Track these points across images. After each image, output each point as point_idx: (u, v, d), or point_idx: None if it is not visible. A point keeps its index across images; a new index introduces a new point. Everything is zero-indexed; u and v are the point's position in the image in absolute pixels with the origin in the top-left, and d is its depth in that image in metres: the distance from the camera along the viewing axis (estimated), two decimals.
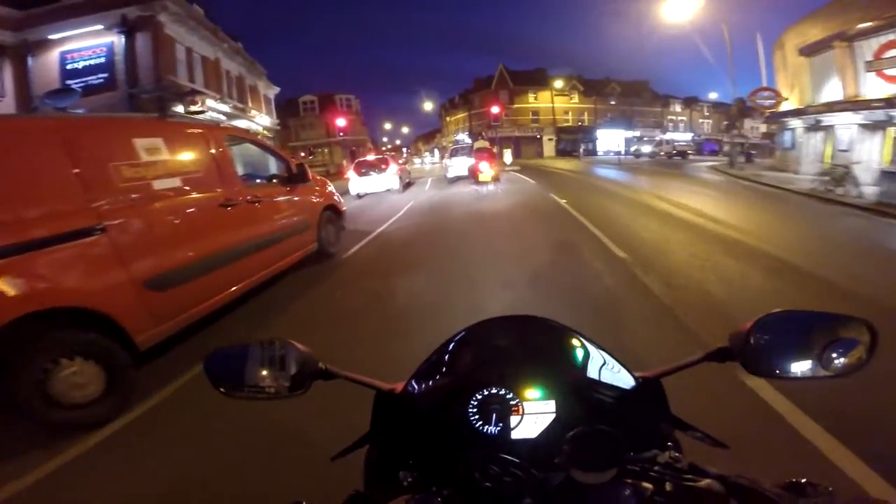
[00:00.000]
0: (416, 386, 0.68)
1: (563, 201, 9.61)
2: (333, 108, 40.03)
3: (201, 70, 15.75)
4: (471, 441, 0.58)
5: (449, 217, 8.77)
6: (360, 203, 13.04)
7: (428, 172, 27.52)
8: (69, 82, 12.31)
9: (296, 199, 4.71)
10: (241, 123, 18.52)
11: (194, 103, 12.56)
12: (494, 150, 18.19)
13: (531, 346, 0.68)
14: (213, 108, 15.63)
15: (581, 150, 40.57)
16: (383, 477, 0.62)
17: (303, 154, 37.91)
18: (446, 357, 0.68)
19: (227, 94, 17.70)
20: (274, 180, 4.77)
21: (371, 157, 15.73)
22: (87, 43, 12.67)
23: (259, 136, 15.28)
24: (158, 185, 2.94)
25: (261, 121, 21.59)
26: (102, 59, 12.54)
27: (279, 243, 4.24)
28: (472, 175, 11.50)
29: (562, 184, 14.30)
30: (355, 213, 9.72)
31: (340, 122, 22.59)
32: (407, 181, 17.35)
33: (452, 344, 0.68)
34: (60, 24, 12.57)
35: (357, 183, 14.20)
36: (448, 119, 53.62)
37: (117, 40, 12.35)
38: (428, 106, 43.57)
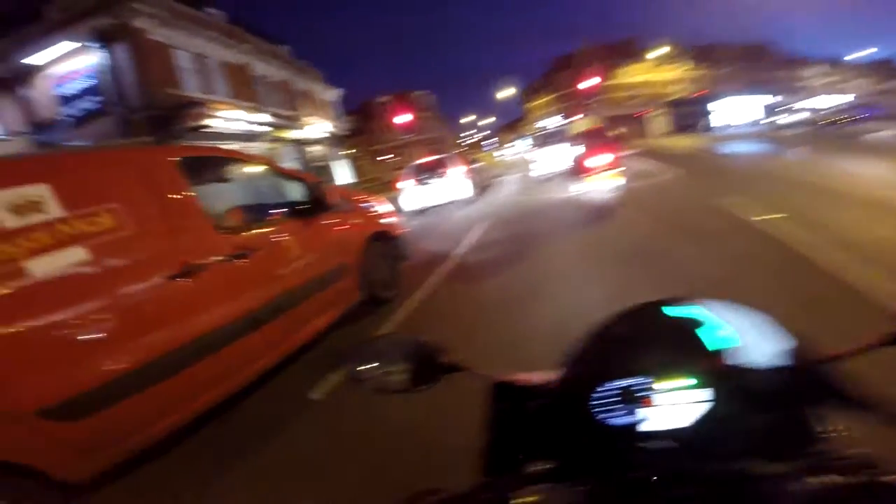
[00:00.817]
0: (547, 377, 0.65)
1: (768, 217, 4.49)
2: (408, 107, 38.78)
3: (222, 78, 13.55)
4: (609, 432, 0.53)
5: (545, 257, 4.86)
6: (421, 221, 9.92)
7: (512, 166, 22.97)
8: (66, 110, 10.84)
9: (320, 235, 3.33)
10: (290, 134, 16.38)
11: (198, 117, 9.88)
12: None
13: (677, 330, 0.58)
14: (244, 120, 13.30)
15: (700, 125, 32.82)
16: (504, 469, 0.60)
17: (386, 157, 36.87)
18: (582, 347, 0.61)
19: (264, 103, 15.41)
20: (286, 212, 3.30)
21: (429, 158, 11.73)
22: (71, 65, 11.05)
23: (285, 145, 12.08)
24: (42, 266, 1.84)
25: (318, 128, 19.47)
26: (93, 81, 10.74)
27: (292, 309, 2.88)
28: (578, 171, 6.79)
29: (719, 174, 9.03)
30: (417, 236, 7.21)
31: (401, 119, 19.43)
32: (484, 183, 13.34)
33: (590, 334, 0.61)
34: (36, 46, 11.10)
35: (413, 195, 10.63)
36: (529, 106, 50.65)
37: (99, 57, 10.44)
38: (507, 93, 41.07)
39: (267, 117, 14.44)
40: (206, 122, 10.94)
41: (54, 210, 1.95)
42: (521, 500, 0.48)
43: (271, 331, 2.75)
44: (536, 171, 11.68)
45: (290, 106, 17.25)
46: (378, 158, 38.50)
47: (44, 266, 1.88)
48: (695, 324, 0.57)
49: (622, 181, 6.40)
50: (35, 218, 1.90)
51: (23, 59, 10.70)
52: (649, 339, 0.60)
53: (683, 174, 8.83)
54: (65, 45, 10.50)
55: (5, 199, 1.85)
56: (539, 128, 27.71)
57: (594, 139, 7.59)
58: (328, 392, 2.69)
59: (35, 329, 1.80)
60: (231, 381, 2.51)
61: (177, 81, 11.28)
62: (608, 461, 0.50)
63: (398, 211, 11.30)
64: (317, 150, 19.05)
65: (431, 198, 10.42)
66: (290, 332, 2.93)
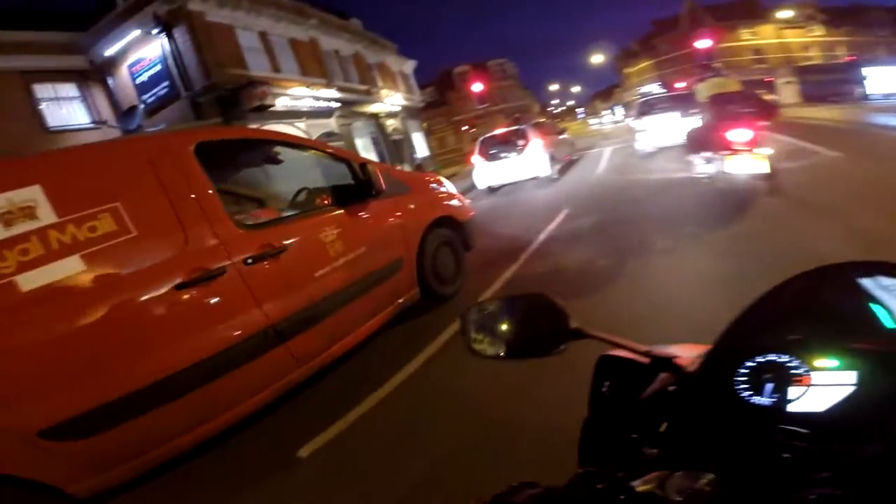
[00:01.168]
0: (678, 352, 0.64)
1: None
2: (487, 76, 37.77)
3: (291, 55, 13.21)
4: (740, 413, 0.50)
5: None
6: (491, 203, 8.72)
7: (609, 136, 20.06)
8: (144, 97, 11.29)
9: (367, 225, 2.96)
10: (364, 108, 16.08)
11: (261, 96, 9.44)
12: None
13: (826, 307, 0.55)
14: (311, 97, 13.01)
15: (849, 93, 25.91)
16: (610, 452, 0.60)
17: (464, 128, 36.14)
18: (744, 312, 0.55)
19: (336, 78, 15.06)
20: (325, 201, 3.10)
21: (502, 130, 10.13)
22: (141, 53, 11.34)
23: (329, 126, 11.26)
24: (31, 279, 1.73)
25: (393, 101, 18.97)
26: (160, 67, 10.99)
27: (330, 315, 2.56)
28: (706, 145, 4.79)
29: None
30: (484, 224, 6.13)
31: (476, 87, 18.06)
32: (571, 156, 11.59)
33: (759, 297, 0.56)
34: (110, 37, 11.48)
35: (485, 171, 9.35)
36: (627, 71, 48.36)
37: (163, 43, 10.57)
38: (598, 59, 39.71)
39: (336, 93, 14.07)
40: (274, 100, 10.75)
41: (45, 216, 1.82)
42: (645, 488, 0.44)
43: (303, 342, 2.44)
44: (642, 142, 9.38)
45: (362, 80, 16.79)
46: (463, 129, 37.26)
47: (33, 279, 1.76)
48: (873, 298, 0.52)
49: (766, 164, 4.32)
50: (23, 225, 1.77)
51: (104, 50, 11.30)
52: (822, 307, 0.54)
53: (841, 157, 5.95)
54: (133, 34, 10.87)
55: None
56: (643, 94, 24.10)
57: (732, 105, 5.28)
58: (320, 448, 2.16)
59: (30, 348, 1.74)
60: (252, 399, 2.26)
61: (242, 61, 11.18)
62: (744, 444, 0.48)
63: (471, 188, 9.88)
64: (392, 123, 18.55)
65: (504, 174, 9.12)
66: (327, 341, 2.60)
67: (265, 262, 2.30)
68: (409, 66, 23.03)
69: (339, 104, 14.00)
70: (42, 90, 10.89)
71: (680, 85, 14.42)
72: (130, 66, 11.15)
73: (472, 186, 10.14)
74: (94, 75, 11.56)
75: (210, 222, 2.20)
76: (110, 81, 11.72)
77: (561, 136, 11.12)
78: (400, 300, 3.14)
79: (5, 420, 1.62)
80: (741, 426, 0.48)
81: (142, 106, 11.22)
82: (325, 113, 13.50)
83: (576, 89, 64.01)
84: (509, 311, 0.74)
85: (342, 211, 2.86)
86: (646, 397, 0.61)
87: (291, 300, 2.40)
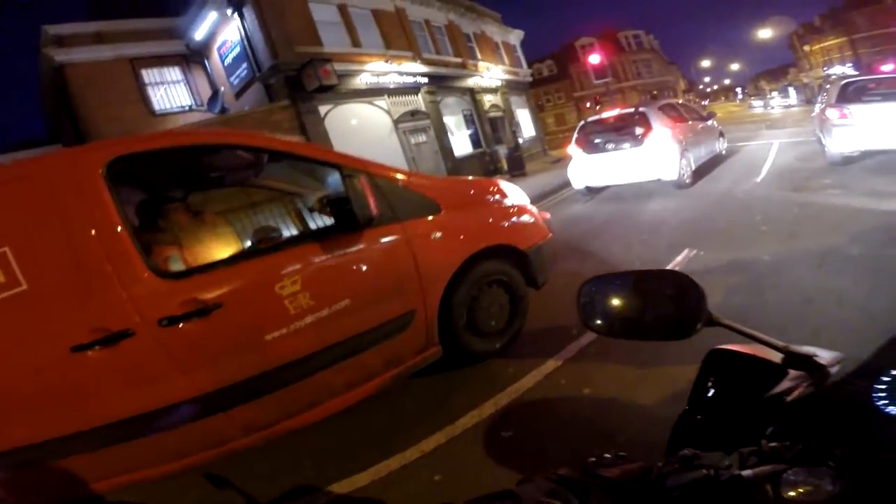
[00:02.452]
0: (814, 351, 0.66)
1: None
2: (614, 48, 34.25)
3: (374, 27, 12.45)
4: (873, 419, 0.51)
5: None
6: (585, 210, 6.97)
7: (774, 124, 15.89)
8: (231, 79, 11.55)
9: (355, 265, 2.36)
10: (456, 83, 15.07)
11: (323, 75, 8.99)
12: None
13: None
14: (402, 72, 12.31)
15: None
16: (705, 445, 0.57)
17: (588, 105, 33.61)
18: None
19: (426, 50, 14.09)
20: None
21: (611, 112, 7.83)
22: (224, 35, 11.46)
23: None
24: None
25: (494, 74, 17.61)
26: (239, 49, 11.00)
27: (297, 383, 2.18)
28: None
29: None
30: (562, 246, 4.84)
31: (593, 59, 15.29)
32: (715, 152, 8.67)
33: None
34: (197, 20, 11.62)
35: (583, 167, 7.48)
36: (808, 49, 44.50)
37: (238, 23, 10.46)
38: (765, 34, 37.20)
39: (424, 67, 13.26)
40: (347, 78, 10.36)
41: None
42: (755, 478, 0.46)
43: (250, 412, 2.11)
44: (841, 140, 6.11)
45: (456, 52, 15.66)
46: (586, 106, 34.56)
47: None
48: None
49: None
50: None
51: (194, 33, 11.79)
52: None
53: None
54: (212, 16, 11.05)
55: None
56: (837, 75, 17.69)
57: None
58: None
59: None
60: (175, 463, 2.07)
61: (315, 37, 10.80)
62: (871, 449, 0.48)
63: (565, 185, 7.86)
64: (491, 99, 17.28)
65: (610, 173, 7.21)
66: (287, 412, 2.21)
67: (188, 323, 1.95)
68: (514, 36, 21.23)
69: (426, 79, 13.20)
70: (149, 75, 11.98)
71: (888, 67, 9.83)
72: (219, 49, 11.65)
73: (567, 184, 7.89)
74: (193, 58, 12.36)
75: (118, 270, 1.92)
76: (207, 64, 12.40)
77: (704, 124, 8.49)
78: (407, 364, 2.54)
79: None
80: (871, 431, 0.50)
81: (222, 89, 11.72)
82: (412, 89, 12.82)
83: (734, 66, 55.03)
84: (635, 285, 0.75)
85: (316, 247, 2.27)
86: (772, 394, 0.64)
87: (228, 370, 2.04)
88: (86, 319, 1.84)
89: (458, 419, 2.39)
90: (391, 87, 11.91)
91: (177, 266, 2.15)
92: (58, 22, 10.77)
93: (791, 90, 35.78)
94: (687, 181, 6.68)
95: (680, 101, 9.02)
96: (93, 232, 1.90)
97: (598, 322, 0.77)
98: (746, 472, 0.47)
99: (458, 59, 15.43)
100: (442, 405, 2.55)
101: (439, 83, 13.71)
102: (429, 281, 2.53)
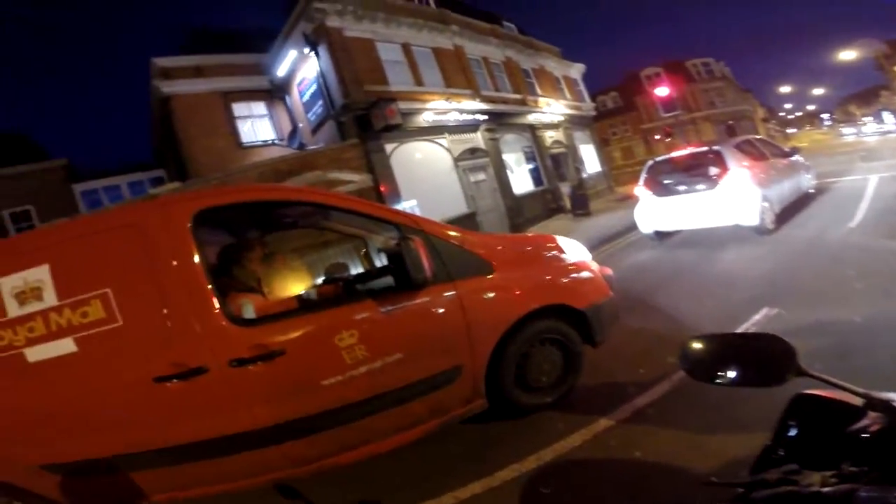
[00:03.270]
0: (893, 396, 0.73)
1: None
2: (683, 77, 33.12)
3: (435, 65, 13.00)
4: None
5: None
6: (653, 257, 6.63)
7: (870, 154, 14.23)
8: (309, 115, 12.38)
9: (409, 322, 2.48)
10: (519, 120, 15.28)
11: (389, 115, 9.48)
12: None
13: None
14: (461, 110, 12.67)
15: None
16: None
17: (658, 137, 32.69)
18: None
19: (484, 88, 14.43)
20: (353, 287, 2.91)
21: (683, 151, 7.42)
22: (303, 72, 12.37)
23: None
24: (36, 353, 2.13)
25: (555, 109, 17.62)
26: (315, 87, 11.84)
27: (346, 425, 2.37)
28: None
29: None
30: (625, 298, 4.58)
31: (661, 91, 14.66)
32: (801, 191, 7.88)
33: None
34: (279, 57, 12.65)
35: (652, 210, 7.11)
36: None
37: (315, 62, 11.27)
38: (847, 55, 32.09)
39: (482, 104, 13.55)
40: (410, 117, 10.79)
41: (50, 296, 2.12)
42: (835, 493, 0.54)
43: (300, 447, 2.34)
44: None
45: (515, 88, 15.91)
46: (655, 138, 34.37)
47: (36, 354, 2.10)
48: None
49: None
50: (33, 304, 2.11)
51: (277, 70, 12.97)
52: None
53: None
54: (293, 54, 12.06)
55: (10, 286, 2.12)
56: None
57: None
58: None
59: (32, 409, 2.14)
60: (229, 483, 2.35)
61: (383, 77, 11.50)
62: None
63: (631, 228, 7.44)
64: (553, 135, 17.24)
65: (682, 217, 6.79)
66: (335, 450, 2.41)
67: (255, 365, 2.18)
68: (575, 70, 21.25)
69: (486, 116, 13.49)
70: (238, 108, 13.36)
71: None
72: (298, 85, 12.65)
73: (634, 226, 7.63)
74: (276, 94, 13.56)
75: (198, 314, 2.18)
76: (287, 100, 13.51)
77: (789, 160, 7.85)
78: (452, 414, 2.64)
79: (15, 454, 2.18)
80: None
81: (301, 125, 12.72)
82: (471, 127, 13.14)
83: (817, 91, 50.91)
84: (733, 342, 0.92)
85: (372, 304, 2.44)
86: (850, 431, 0.73)
87: (286, 408, 2.26)
88: (168, 355, 2.11)
89: (498, 470, 2.39)
90: (451, 125, 12.29)
91: (248, 312, 2.39)
92: (163, 55, 12.28)
93: (887, 114, 32.78)
94: (769, 226, 6.14)
95: (759, 137, 8.37)
96: (179, 277, 2.17)
97: (698, 370, 0.92)
98: (826, 489, 0.56)
99: (518, 96, 15.62)
100: (485, 454, 2.57)
101: (499, 120, 13.92)
102: (478, 339, 2.60)
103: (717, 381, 0.90)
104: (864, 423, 0.75)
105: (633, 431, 2.48)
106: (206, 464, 2.24)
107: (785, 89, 50.38)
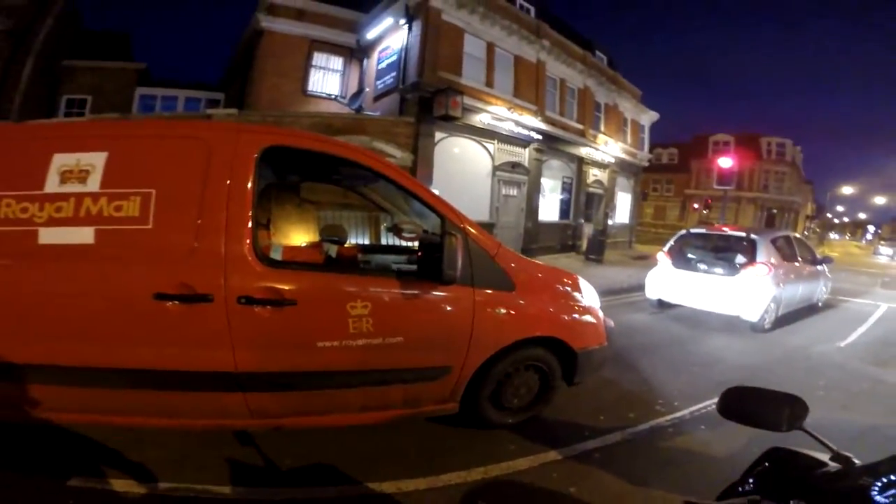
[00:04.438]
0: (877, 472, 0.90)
1: None
2: (753, 153, 32.04)
3: (510, 73, 12.94)
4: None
5: None
6: (649, 321, 6.75)
7: (890, 283, 13.97)
8: (377, 83, 12.47)
9: (423, 313, 2.49)
10: (571, 150, 15.15)
11: (452, 106, 9.59)
12: None
13: None
14: (511, 120, 12.61)
15: None
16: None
17: (696, 206, 32.15)
18: None
19: (550, 108, 14.35)
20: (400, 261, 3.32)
21: (713, 230, 7.47)
22: (389, 41, 12.49)
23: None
24: (50, 235, 2.01)
25: (609, 150, 17.37)
26: (395, 58, 11.95)
27: (320, 391, 2.37)
28: None
29: None
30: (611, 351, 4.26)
31: (725, 162, 14.40)
32: (812, 302, 7.95)
33: None
34: (374, 21, 12.78)
35: (665, 278, 7.16)
36: None
37: (404, 34, 11.42)
38: None
39: (542, 124, 13.51)
40: (463, 113, 10.79)
41: (94, 181, 2.05)
42: None
43: (266, 401, 2.29)
44: None
45: (581, 118, 15.74)
46: (694, 207, 33.88)
47: (54, 238, 2.01)
48: None
49: None
50: (73, 185, 2.04)
51: (367, 32, 13.09)
52: None
53: None
54: (388, 21, 12.12)
55: (60, 164, 2.05)
56: None
57: None
58: None
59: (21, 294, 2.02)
60: (183, 419, 2.25)
61: (459, 67, 11.54)
62: None
63: (639, 287, 8.04)
64: (598, 173, 17.08)
65: (689, 294, 6.83)
66: (297, 411, 2.40)
67: (261, 309, 2.11)
68: (647, 117, 20.86)
69: (540, 136, 13.45)
70: (318, 59, 13.60)
71: None
72: (380, 52, 12.76)
73: (640, 287, 7.77)
74: (357, 54, 13.79)
75: (228, 243, 2.09)
76: (364, 63, 13.70)
77: (813, 269, 7.82)
78: (421, 409, 2.68)
79: None
80: None
81: (367, 89, 12.73)
82: (522, 142, 13.15)
83: (880, 200, 48.52)
84: (763, 395, 1.12)
85: (395, 282, 2.43)
86: (811, 476, 0.99)
87: (271, 359, 2.20)
88: (181, 273, 2.03)
89: (445, 472, 2.51)
90: (504, 133, 12.31)
91: (276, 253, 2.42)
92: None
93: None
94: (766, 326, 6.21)
95: (797, 236, 8.24)
96: (225, 199, 2.11)
97: (728, 411, 1.15)
98: None
99: (580, 126, 15.44)
100: (437, 455, 2.70)
101: (550, 143, 13.85)
102: (475, 348, 2.64)
103: (742, 421, 1.12)
104: (823, 470, 1.00)
105: (576, 469, 2.65)
106: (170, 395, 2.14)
107: (847, 190, 48.14)
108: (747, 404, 1.12)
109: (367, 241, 3.92)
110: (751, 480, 1.14)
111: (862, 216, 67.11)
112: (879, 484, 0.81)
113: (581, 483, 2.52)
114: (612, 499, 2.41)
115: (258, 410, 2.27)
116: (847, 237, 65.47)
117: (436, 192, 2.80)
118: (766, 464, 1.16)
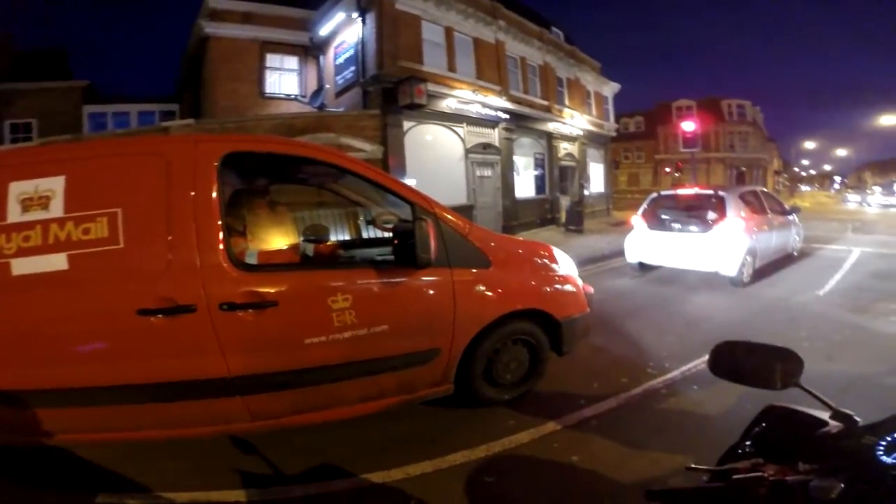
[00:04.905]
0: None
1: None
2: (715, 116, 32.84)
3: (471, 55, 12.93)
4: (873, 461, 0.79)
5: None
6: (631, 286, 6.91)
7: (863, 227, 14.60)
8: (337, 79, 12.32)
9: (402, 298, 2.54)
10: (539, 126, 15.31)
11: (416, 94, 9.64)
12: None
13: None
14: (478, 102, 12.61)
15: None
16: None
17: (667, 170, 32.89)
18: None
19: (514, 87, 14.38)
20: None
21: (684, 191, 7.64)
22: (344, 36, 12.28)
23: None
24: (23, 266, 2.01)
25: (577, 123, 17.65)
26: (352, 52, 11.81)
27: (315, 386, 2.40)
28: None
29: None
30: (596, 319, 4.72)
31: (688, 126, 14.59)
32: (786, 251, 8.17)
33: None
34: (326, 17, 12.54)
35: (642, 241, 7.31)
36: None
37: (359, 28, 11.27)
38: (888, 121, 32.64)
39: (508, 103, 13.56)
40: (428, 101, 10.72)
41: (56, 207, 2.04)
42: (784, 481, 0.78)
43: (263, 402, 2.31)
44: None
45: (544, 94, 15.86)
46: (666, 171, 35.13)
47: (24, 266, 1.99)
48: None
49: None
50: (35, 213, 2.01)
51: (320, 29, 12.81)
52: None
53: None
54: (340, 16, 11.88)
55: (18, 192, 2.02)
56: None
57: None
58: None
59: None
60: (186, 429, 2.28)
61: (419, 55, 11.45)
62: (871, 480, 0.76)
63: (619, 254, 8.10)
64: (567, 147, 17.31)
65: (668, 254, 6.99)
66: (296, 409, 2.41)
67: (244, 313, 2.15)
68: (609, 88, 21.17)
69: (507, 115, 13.53)
70: (272, 60, 13.24)
71: None
72: (336, 48, 12.55)
73: (621, 252, 7.88)
74: (311, 52, 13.46)
75: (202, 253, 2.11)
76: (321, 60, 13.43)
77: (784, 219, 8.03)
78: (416, 394, 2.73)
79: None
80: (869, 464, 0.78)
81: (326, 86, 12.56)
82: (491, 123, 13.19)
83: (841, 153, 50.77)
84: (754, 350, 1.07)
85: (372, 273, 2.49)
86: (812, 436, 0.94)
87: (262, 361, 2.24)
88: (160, 287, 2.04)
89: (449, 454, 2.55)
90: (472, 116, 12.33)
91: (250, 258, 2.44)
92: None
93: None
94: (745, 280, 6.37)
95: (765, 190, 8.47)
96: (192, 210, 2.12)
97: (719, 368, 1.10)
98: (789, 478, 0.78)
99: (544, 102, 15.59)
100: (439, 437, 2.74)
101: (518, 122, 13.95)
102: (460, 327, 2.68)
103: (734, 379, 1.07)
104: (825, 430, 0.94)
105: (576, 438, 2.70)
106: (169, 406, 2.16)
107: (809, 145, 50.16)
108: (738, 361, 1.09)
109: (347, 237, 3.87)
110: (748, 443, 1.10)
111: (827, 168, 69.86)
112: (884, 443, 0.78)
113: (582, 451, 2.56)
114: (614, 465, 2.44)
115: (259, 412, 2.32)
116: (816, 188, 68.05)
117: (412, 182, 2.81)
118: (764, 424, 1.10)
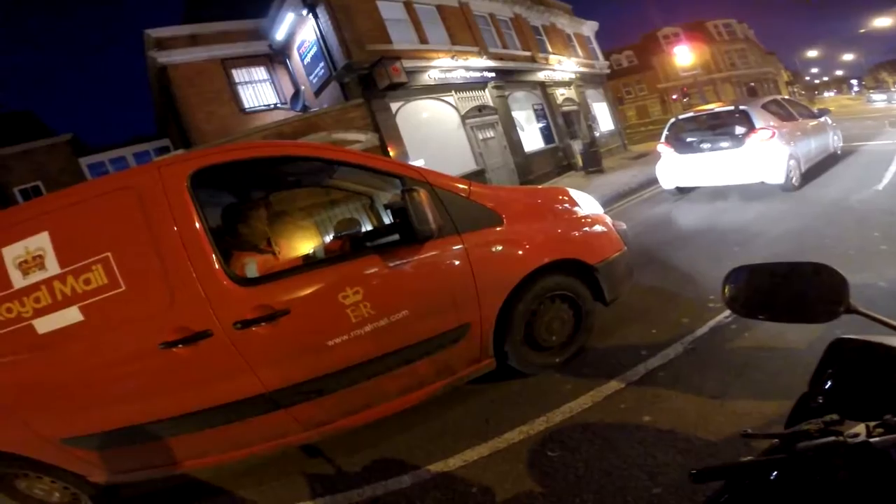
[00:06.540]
0: None
1: None
2: (705, 39, 32.25)
3: (440, 23, 12.42)
4: None
5: None
6: (673, 211, 6.55)
7: None
8: (310, 78, 12.02)
9: (415, 278, 2.39)
10: (529, 78, 14.76)
11: (393, 73, 9.37)
12: None
13: None
14: (468, 68, 12.22)
15: None
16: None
17: (675, 97, 31.84)
18: None
19: (492, 45, 13.85)
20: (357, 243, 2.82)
21: (706, 109, 7.16)
22: (303, 35, 11.88)
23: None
24: (45, 324, 2.07)
25: (566, 67, 17.00)
26: (316, 49, 11.39)
27: (353, 387, 2.33)
28: None
29: None
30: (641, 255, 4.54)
31: (681, 51, 13.69)
32: (829, 151, 7.63)
33: None
34: (277, 20, 12.11)
35: (674, 167, 6.96)
36: None
37: (314, 24, 10.79)
38: (883, 22, 31.17)
39: (490, 61, 13.07)
40: (415, 75, 10.43)
41: (52, 264, 2.06)
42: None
43: (308, 410, 2.32)
44: None
45: (524, 45, 15.24)
46: (672, 98, 33.25)
47: (48, 325, 2.04)
48: None
49: None
50: (36, 274, 2.05)
51: (276, 34, 12.46)
52: None
53: None
54: (290, 17, 11.56)
55: (13, 256, 2.06)
56: None
57: None
58: None
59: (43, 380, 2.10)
60: (239, 451, 2.35)
61: (385, 36, 11.04)
62: None
63: (652, 182, 7.79)
64: (564, 92, 16.72)
65: (704, 174, 6.64)
66: (342, 413, 2.40)
67: (259, 327, 2.12)
68: (587, 27, 20.36)
69: (493, 74, 13.03)
70: (238, 74, 12.97)
71: None
72: (298, 48, 12.21)
73: (651, 181, 7.39)
74: (276, 58, 13.15)
75: (200, 276, 2.10)
76: (289, 64, 13.13)
77: (816, 121, 7.49)
78: (458, 375, 2.58)
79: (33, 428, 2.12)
80: None
81: (303, 87, 12.30)
82: (479, 84, 12.74)
83: (847, 57, 48.35)
84: (781, 272, 0.81)
85: (377, 259, 2.34)
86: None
87: (293, 370, 2.22)
88: (172, 319, 2.04)
89: (506, 432, 2.36)
90: (458, 82, 11.91)
91: (252, 272, 2.33)
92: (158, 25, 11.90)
93: None
94: (795, 184, 5.96)
95: (786, 97, 8.02)
96: (178, 239, 2.09)
97: (739, 304, 0.88)
98: (874, 440, 0.54)
99: (527, 53, 14.99)
100: (492, 416, 2.53)
101: (507, 78, 13.46)
102: (486, 295, 2.50)
103: (760, 316, 0.84)
104: None
105: (644, 394, 2.40)
106: (220, 430, 2.19)
107: (812, 54, 47.79)
108: (760, 292, 0.85)
109: (370, 227, 3.62)
110: (820, 398, 0.81)
111: (839, 73, 66.80)
112: None
113: (654, 410, 2.27)
114: (693, 422, 2.11)
115: (307, 421, 2.32)
116: (834, 93, 64.79)
117: (420, 162, 2.50)
118: (833, 368, 0.82)
